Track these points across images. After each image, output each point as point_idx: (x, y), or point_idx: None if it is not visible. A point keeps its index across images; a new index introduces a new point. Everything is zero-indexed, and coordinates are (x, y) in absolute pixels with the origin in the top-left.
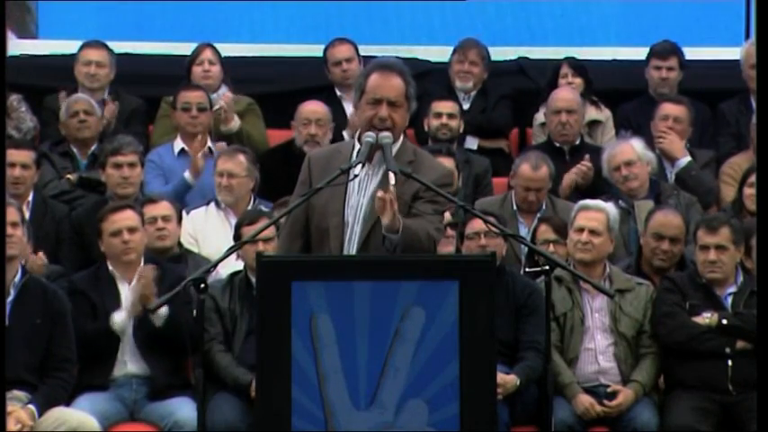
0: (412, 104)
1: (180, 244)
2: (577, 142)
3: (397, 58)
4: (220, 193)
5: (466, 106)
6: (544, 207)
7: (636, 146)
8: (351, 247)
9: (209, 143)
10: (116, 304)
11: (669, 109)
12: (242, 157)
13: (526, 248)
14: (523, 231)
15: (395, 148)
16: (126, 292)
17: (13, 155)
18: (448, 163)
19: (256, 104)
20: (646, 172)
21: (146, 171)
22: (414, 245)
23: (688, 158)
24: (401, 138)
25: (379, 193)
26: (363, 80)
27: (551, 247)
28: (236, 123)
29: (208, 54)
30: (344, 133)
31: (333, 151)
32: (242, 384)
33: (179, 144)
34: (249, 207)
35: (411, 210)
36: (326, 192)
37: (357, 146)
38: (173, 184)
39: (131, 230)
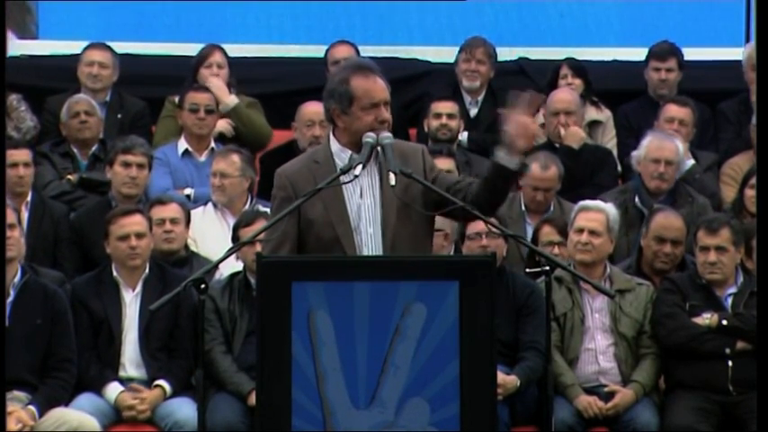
0: None
1: (186, 246)
2: None
3: (397, 58)
4: (214, 194)
5: (473, 112)
6: (552, 208)
7: (680, 148)
8: (372, 250)
9: (213, 144)
10: (118, 312)
11: (674, 111)
12: (235, 157)
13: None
14: (531, 232)
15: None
16: (129, 297)
17: (14, 155)
18: (448, 163)
19: (258, 102)
20: (675, 176)
21: (152, 167)
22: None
23: (692, 162)
24: None
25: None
26: (346, 86)
27: (556, 249)
28: (232, 99)
29: (217, 57)
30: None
31: (307, 162)
32: (242, 393)
33: (183, 145)
34: (246, 207)
35: (436, 199)
36: (318, 203)
37: (337, 150)
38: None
39: (139, 236)
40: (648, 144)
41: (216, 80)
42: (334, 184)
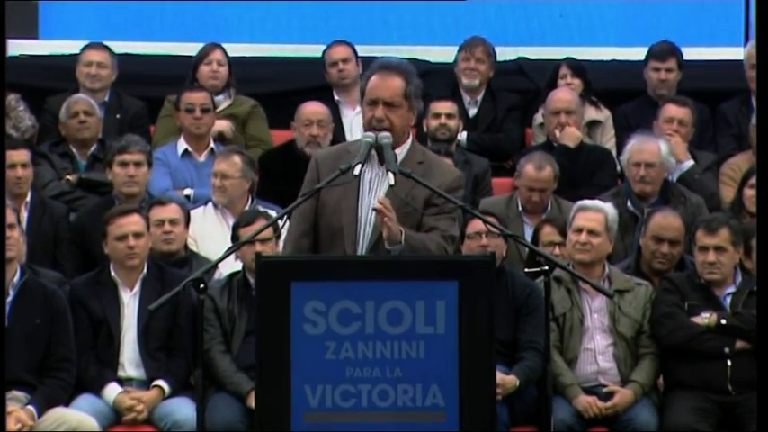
0: (415, 104)
1: (186, 246)
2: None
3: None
4: (215, 194)
5: (472, 112)
6: (549, 208)
7: (663, 148)
8: (362, 248)
9: (212, 144)
10: (117, 312)
11: (673, 111)
12: (237, 158)
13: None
14: (529, 232)
15: (403, 150)
16: (128, 297)
17: (12, 155)
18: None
19: (260, 106)
20: (662, 177)
21: (152, 166)
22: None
23: (691, 162)
24: (409, 139)
25: (374, 205)
26: (365, 81)
27: (557, 249)
28: (228, 129)
29: (218, 55)
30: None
31: (341, 151)
32: (241, 393)
33: (182, 145)
34: (246, 208)
35: (423, 220)
36: (338, 190)
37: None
38: None
39: (137, 236)
40: (630, 147)
41: (223, 123)
42: (334, 184)
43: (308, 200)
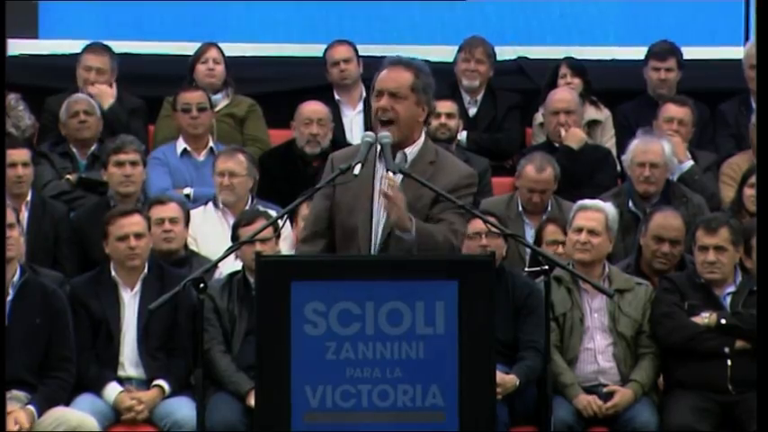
0: (423, 98)
1: (186, 246)
2: None
3: None
4: (221, 193)
5: (472, 111)
6: (549, 208)
7: (666, 148)
8: (376, 247)
9: (212, 143)
10: (117, 312)
11: (673, 111)
12: (242, 157)
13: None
14: (530, 232)
15: (415, 149)
16: (128, 297)
17: (13, 154)
18: None
19: (258, 105)
20: (665, 177)
21: (150, 168)
22: (429, 247)
23: (691, 162)
24: (421, 138)
25: (383, 189)
26: (376, 76)
27: (560, 248)
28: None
29: (213, 53)
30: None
31: (354, 151)
32: (241, 392)
33: (181, 145)
34: (247, 207)
35: (430, 214)
36: (352, 191)
37: (378, 145)
38: None
39: (138, 236)
40: (634, 148)
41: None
42: (337, 183)
43: (323, 201)
